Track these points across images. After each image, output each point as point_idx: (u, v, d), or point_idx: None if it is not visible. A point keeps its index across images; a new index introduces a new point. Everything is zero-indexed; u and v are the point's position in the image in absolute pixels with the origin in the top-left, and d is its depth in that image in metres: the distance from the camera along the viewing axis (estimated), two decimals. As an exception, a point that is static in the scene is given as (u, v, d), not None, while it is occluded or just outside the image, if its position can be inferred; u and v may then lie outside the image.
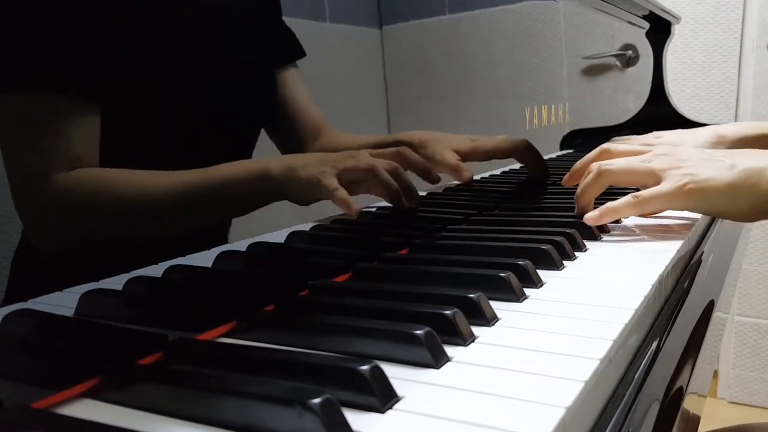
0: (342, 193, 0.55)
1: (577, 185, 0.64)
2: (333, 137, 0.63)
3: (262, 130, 0.56)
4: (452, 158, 0.76)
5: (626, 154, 0.63)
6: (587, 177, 0.61)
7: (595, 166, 0.61)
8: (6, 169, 0.37)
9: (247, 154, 0.54)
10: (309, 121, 0.60)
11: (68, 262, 0.42)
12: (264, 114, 0.56)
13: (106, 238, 0.46)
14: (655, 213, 0.62)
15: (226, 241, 0.52)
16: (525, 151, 0.85)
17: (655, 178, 0.59)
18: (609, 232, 0.61)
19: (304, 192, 0.56)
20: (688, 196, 0.56)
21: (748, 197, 0.55)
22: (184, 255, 0.50)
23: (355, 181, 0.59)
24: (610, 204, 0.57)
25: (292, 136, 0.60)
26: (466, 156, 0.79)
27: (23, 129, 0.39)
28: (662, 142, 0.81)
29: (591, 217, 0.57)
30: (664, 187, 0.57)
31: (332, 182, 0.56)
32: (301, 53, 0.58)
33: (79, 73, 0.41)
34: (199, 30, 0.51)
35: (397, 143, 0.70)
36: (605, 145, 0.65)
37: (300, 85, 0.59)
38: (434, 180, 0.66)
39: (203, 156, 0.50)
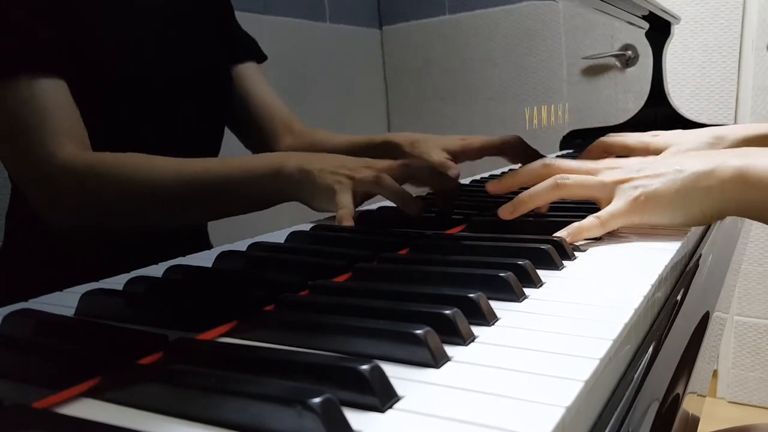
0: (345, 213, 0.55)
1: (512, 193, 0.62)
2: (311, 135, 0.62)
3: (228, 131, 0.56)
4: (439, 156, 0.75)
5: (570, 170, 0.61)
6: (541, 185, 0.59)
7: (550, 179, 0.59)
8: (5, 160, 0.38)
9: (213, 152, 0.53)
10: (275, 118, 0.60)
11: (54, 262, 0.43)
12: (217, 110, 0.56)
13: (116, 219, 0.46)
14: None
15: (209, 246, 0.52)
16: (517, 146, 0.83)
17: (608, 190, 0.58)
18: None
19: (317, 199, 0.56)
20: (643, 208, 0.56)
21: (700, 201, 0.54)
22: (184, 255, 0.50)
23: (367, 191, 0.59)
24: (577, 224, 0.56)
25: (258, 134, 0.59)
26: (456, 155, 0.79)
27: (12, 114, 0.39)
28: (659, 141, 0.80)
29: (562, 236, 0.55)
30: (618, 204, 0.56)
31: (343, 199, 0.56)
32: (260, 55, 0.57)
33: (52, 56, 0.41)
34: (146, 25, 0.50)
35: (386, 144, 0.70)
36: (548, 160, 0.63)
37: (262, 83, 0.58)
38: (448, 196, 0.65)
39: (161, 152, 0.49)
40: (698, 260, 0.61)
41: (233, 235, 0.53)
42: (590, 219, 0.56)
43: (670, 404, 0.38)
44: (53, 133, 0.41)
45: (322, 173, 0.56)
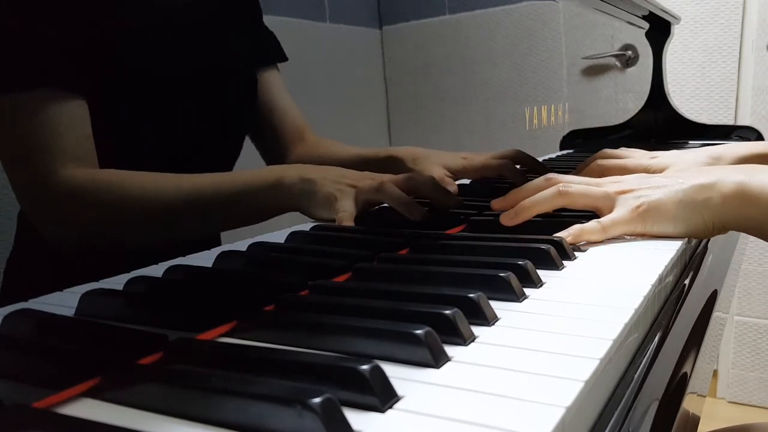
0: (345, 216, 0.56)
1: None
2: (320, 144, 0.62)
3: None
4: (439, 172, 0.76)
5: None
6: (544, 192, 0.59)
7: (553, 187, 0.59)
8: (7, 172, 0.37)
9: (231, 160, 0.54)
10: (291, 124, 0.60)
11: (64, 262, 0.42)
12: (244, 116, 0.56)
13: (115, 237, 0.46)
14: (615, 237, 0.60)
15: (218, 243, 0.52)
16: (515, 172, 0.82)
17: (610, 200, 0.59)
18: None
19: (318, 208, 0.56)
20: (644, 217, 0.56)
21: (701, 213, 0.55)
22: (184, 255, 0.50)
23: (370, 201, 0.59)
24: (579, 226, 0.56)
25: (274, 140, 0.59)
26: (457, 173, 0.79)
27: (17, 129, 0.39)
28: (658, 162, 0.81)
29: (563, 237, 0.55)
30: (620, 212, 0.57)
31: (345, 204, 0.56)
32: (283, 57, 0.57)
33: (64, 70, 0.41)
34: (177, 31, 0.50)
35: (389, 158, 0.71)
36: (550, 175, 0.63)
37: (282, 89, 0.58)
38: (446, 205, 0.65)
39: (184, 159, 0.49)
40: (699, 260, 0.61)
41: (233, 235, 0.53)
42: (592, 223, 0.56)
43: (671, 404, 0.38)
44: (55, 151, 0.40)
45: (324, 181, 0.56)
